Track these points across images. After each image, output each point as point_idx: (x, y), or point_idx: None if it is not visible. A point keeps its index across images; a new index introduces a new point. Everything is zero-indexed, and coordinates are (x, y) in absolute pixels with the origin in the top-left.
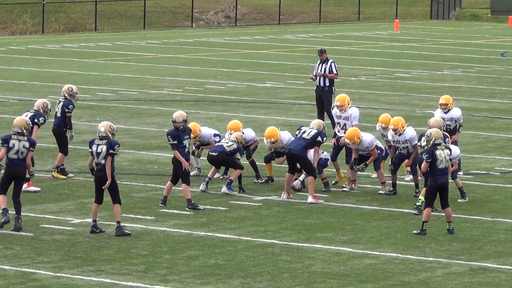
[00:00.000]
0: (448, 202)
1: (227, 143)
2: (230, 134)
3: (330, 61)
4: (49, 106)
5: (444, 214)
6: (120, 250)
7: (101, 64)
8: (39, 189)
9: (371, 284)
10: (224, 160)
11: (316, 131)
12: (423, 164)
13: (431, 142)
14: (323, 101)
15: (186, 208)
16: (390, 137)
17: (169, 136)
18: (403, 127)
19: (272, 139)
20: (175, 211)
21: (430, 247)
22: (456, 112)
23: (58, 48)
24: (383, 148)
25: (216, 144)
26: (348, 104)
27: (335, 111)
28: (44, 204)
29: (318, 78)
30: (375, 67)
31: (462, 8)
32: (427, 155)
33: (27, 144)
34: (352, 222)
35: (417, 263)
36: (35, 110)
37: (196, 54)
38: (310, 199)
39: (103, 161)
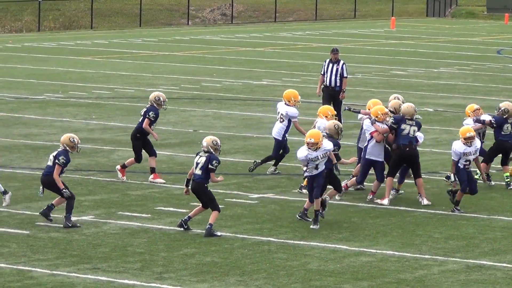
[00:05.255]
0: None
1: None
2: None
3: (342, 62)
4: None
5: (435, 212)
6: (116, 248)
7: (97, 61)
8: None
9: (367, 282)
10: None
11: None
12: None
13: None
14: (332, 101)
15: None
16: (461, 150)
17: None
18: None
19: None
20: (171, 209)
21: (426, 245)
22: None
23: (54, 46)
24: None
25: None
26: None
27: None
28: (40, 202)
29: (329, 78)
30: (371, 64)
31: (458, 6)
32: None
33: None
34: (348, 220)
35: (413, 261)
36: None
37: (192, 52)
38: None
39: (198, 172)
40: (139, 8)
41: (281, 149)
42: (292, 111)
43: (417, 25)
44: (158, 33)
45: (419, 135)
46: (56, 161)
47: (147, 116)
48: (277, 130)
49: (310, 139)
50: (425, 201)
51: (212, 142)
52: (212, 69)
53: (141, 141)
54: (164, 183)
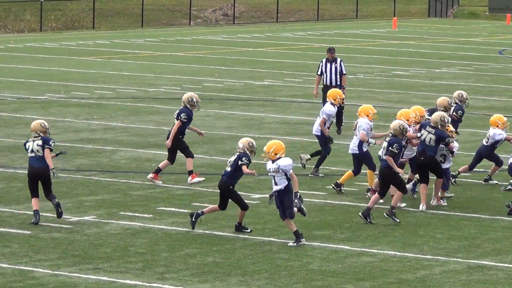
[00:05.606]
0: None
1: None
2: None
3: (339, 60)
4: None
5: (437, 213)
6: (118, 248)
7: (99, 62)
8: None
9: (369, 282)
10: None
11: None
12: None
13: None
14: None
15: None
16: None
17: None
18: (276, 154)
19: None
20: (173, 209)
21: (428, 245)
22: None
23: (56, 46)
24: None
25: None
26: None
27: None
28: (42, 202)
29: (329, 77)
30: (373, 65)
31: (460, 6)
32: None
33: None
34: (350, 220)
35: (415, 261)
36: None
37: (194, 52)
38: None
39: (228, 169)
40: (141, 8)
41: (327, 143)
42: (328, 108)
43: (419, 26)
44: (160, 33)
45: (454, 145)
46: (47, 146)
47: (179, 118)
48: (317, 126)
49: (265, 148)
50: (434, 202)
51: (248, 144)
52: (214, 69)
53: (181, 142)
54: (161, 184)
